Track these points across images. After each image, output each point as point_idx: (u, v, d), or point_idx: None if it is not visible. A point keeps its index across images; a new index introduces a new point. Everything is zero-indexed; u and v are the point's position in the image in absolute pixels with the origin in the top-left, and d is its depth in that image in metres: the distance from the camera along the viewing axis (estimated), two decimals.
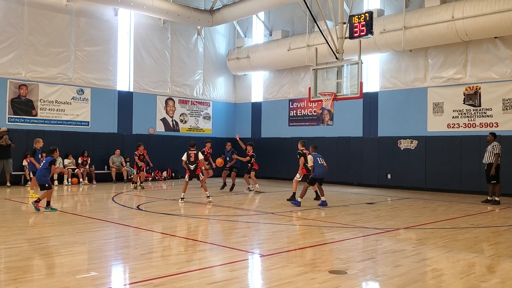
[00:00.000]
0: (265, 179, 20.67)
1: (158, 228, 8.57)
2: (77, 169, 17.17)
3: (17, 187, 15.65)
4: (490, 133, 12.94)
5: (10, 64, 16.48)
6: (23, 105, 16.77)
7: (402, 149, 17.14)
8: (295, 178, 12.47)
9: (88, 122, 18.28)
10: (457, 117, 15.91)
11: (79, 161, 17.48)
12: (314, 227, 8.86)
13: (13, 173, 15.77)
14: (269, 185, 16.68)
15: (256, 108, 22.61)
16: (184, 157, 12.18)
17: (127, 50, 19.76)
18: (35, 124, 16.96)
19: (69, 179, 16.89)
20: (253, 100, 22.87)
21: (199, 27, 21.72)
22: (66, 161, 17.27)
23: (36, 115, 17.04)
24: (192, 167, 12.16)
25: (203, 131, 22.19)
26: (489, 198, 12.73)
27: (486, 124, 15.20)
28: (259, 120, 22.43)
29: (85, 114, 18.25)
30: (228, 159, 15.16)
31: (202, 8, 20.94)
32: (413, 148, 16.85)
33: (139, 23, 19.94)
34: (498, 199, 12.52)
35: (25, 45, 16.81)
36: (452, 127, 16.01)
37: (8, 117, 16.38)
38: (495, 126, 14.92)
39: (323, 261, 6.15)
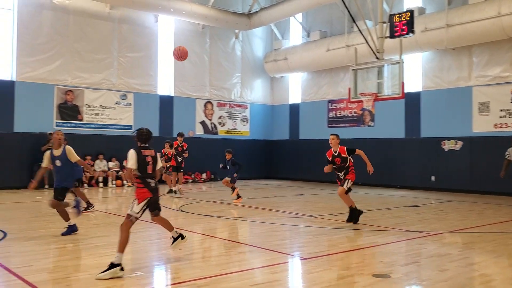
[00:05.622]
0: (304, 181, 20.58)
1: (198, 229, 8.69)
2: (121, 172, 17.64)
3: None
4: None
5: (57, 71, 17.15)
6: (69, 110, 17.43)
7: (446, 150, 16.63)
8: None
9: (131, 126, 18.76)
10: (505, 116, 15.28)
11: (124, 163, 17.97)
12: (356, 230, 8.72)
13: None
14: (308, 188, 16.56)
15: (294, 109, 22.53)
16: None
17: (167, 55, 20.17)
18: (81, 129, 17.58)
19: (114, 181, 17.43)
20: (291, 101, 22.81)
21: (236, 31, 21.89)
22: (111, 164, 17.83)
23: (81, 119, 17.67)
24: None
25: (241, 133, 22.33)
26: None
27: None
28: (297, 121, 22.34)
29: (128, 118, 18.76)
30: (228, 168, 12.94)
31: (240, 12, 21.09)
32: (458, 149, 16.32)
33: (179, 29, 20.31)
34: None
35: (71, 52, 17.45)
36: (500, 127, 15.39)
37: (56, 122, 17.04)
38: None
39: (365, 264, 6.05)
